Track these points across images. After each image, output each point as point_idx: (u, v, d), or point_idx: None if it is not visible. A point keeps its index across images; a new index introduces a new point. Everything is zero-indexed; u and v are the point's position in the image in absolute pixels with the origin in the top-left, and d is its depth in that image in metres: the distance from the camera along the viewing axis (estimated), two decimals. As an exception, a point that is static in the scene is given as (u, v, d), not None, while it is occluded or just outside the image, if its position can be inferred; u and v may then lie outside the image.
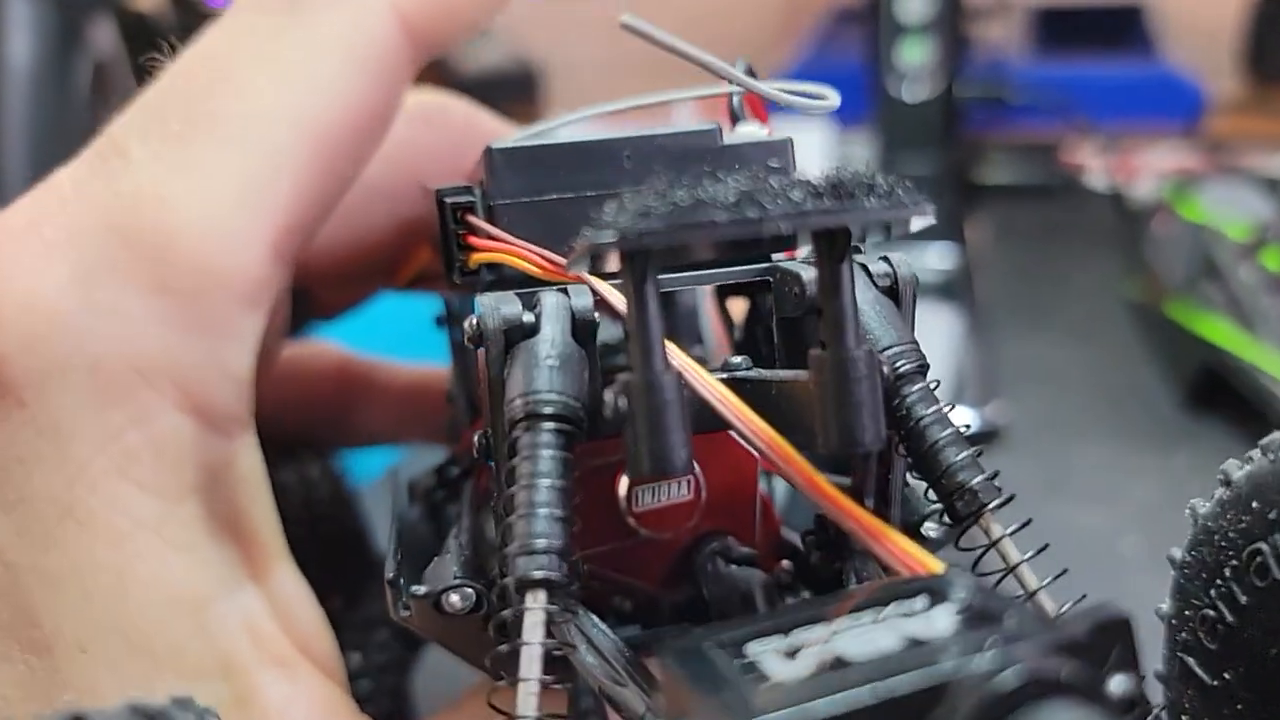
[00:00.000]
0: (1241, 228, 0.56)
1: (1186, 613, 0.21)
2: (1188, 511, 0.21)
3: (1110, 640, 0.14)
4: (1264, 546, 0.19)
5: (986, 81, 0.87)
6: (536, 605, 0.18)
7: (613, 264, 0.17)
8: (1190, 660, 0.21)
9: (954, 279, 0.64)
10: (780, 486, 0.26)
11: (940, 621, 0.14)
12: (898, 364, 0.20)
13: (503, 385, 0.20)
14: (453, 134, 0.30)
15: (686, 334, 0.29)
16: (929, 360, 0.21)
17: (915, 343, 0.21)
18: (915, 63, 0.73)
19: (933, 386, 0.20)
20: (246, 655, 0.23)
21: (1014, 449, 0.53)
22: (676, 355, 0.19)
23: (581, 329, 0.20)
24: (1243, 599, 0.20)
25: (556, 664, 0.18)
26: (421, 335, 0.33)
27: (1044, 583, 0.19)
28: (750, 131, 0.25)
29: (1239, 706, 0.20)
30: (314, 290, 0.32)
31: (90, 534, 0.22)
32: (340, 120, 0.24)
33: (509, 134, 0.29)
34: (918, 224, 0.18)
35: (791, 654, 0.14)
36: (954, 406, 0.20)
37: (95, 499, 0.22)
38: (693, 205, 0.16)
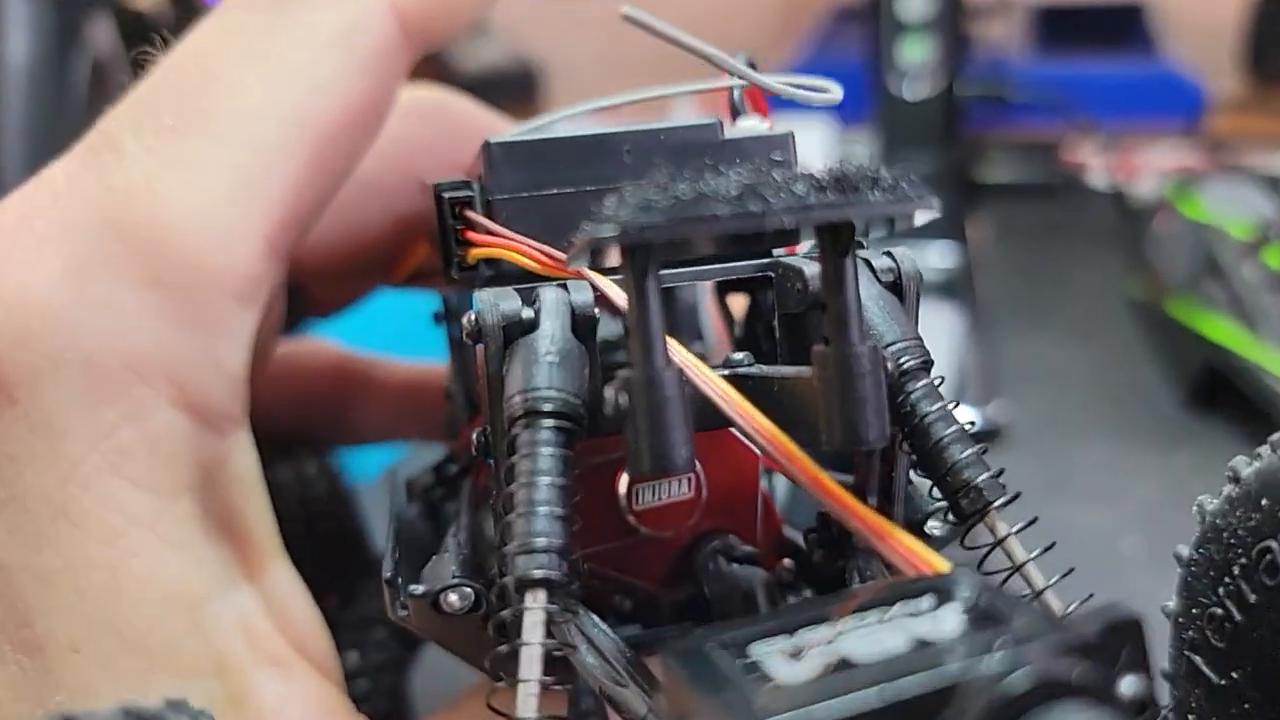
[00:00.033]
0: (1244, 226, 0.56)
1: (1194, 611, 0.21)
2: (1195, 509, 0.21)
3: (1121, 641, 0.13)
4: (1273, 544, 0.19)
5: (987, 80, 0.87)
6: (536, 605, 0.17)
7: (613, 259, 0.17)
8: (1197, 659, 0.21)
9: (955, 278, 0.64)
10: (781, 484, 0.26)
11: (947, 622, 0.14)
12: (902, 360, 0.20)
13: (502, 382, 0.20)
14: (450, 129, 0.30)
15: (687, 330, 0.29)
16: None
17: (919, 338, 0.20)
18: (916, 61, 0.72)
19: (937, 383, 0.20)
20: (241, 655, 0.23)
21: (1015, 448, 0.52)
22: (678, 351, 0.19)
23: (581, 325, 0.20)
24: (1251, 597, 0.20)
25: (556, 664, 0.18)
26: (419, 332, 0.32)
27: (1050, 581, 0.19)
28: (751, 126, 0.25)
29: (1246, 706, 0.20)
30: (310, 287, 0.31)
31: (83, 532, 0.22)
32: (334, 115, 0.24)
33: (507, 129, 0.29)
34: (922, 217, 0.17)
35: (796, 655, 0.14)
36: (958, 404, 0.20)
37: (88, 496, 0.22)
38: (694, 198, 0.16)
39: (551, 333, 0.20)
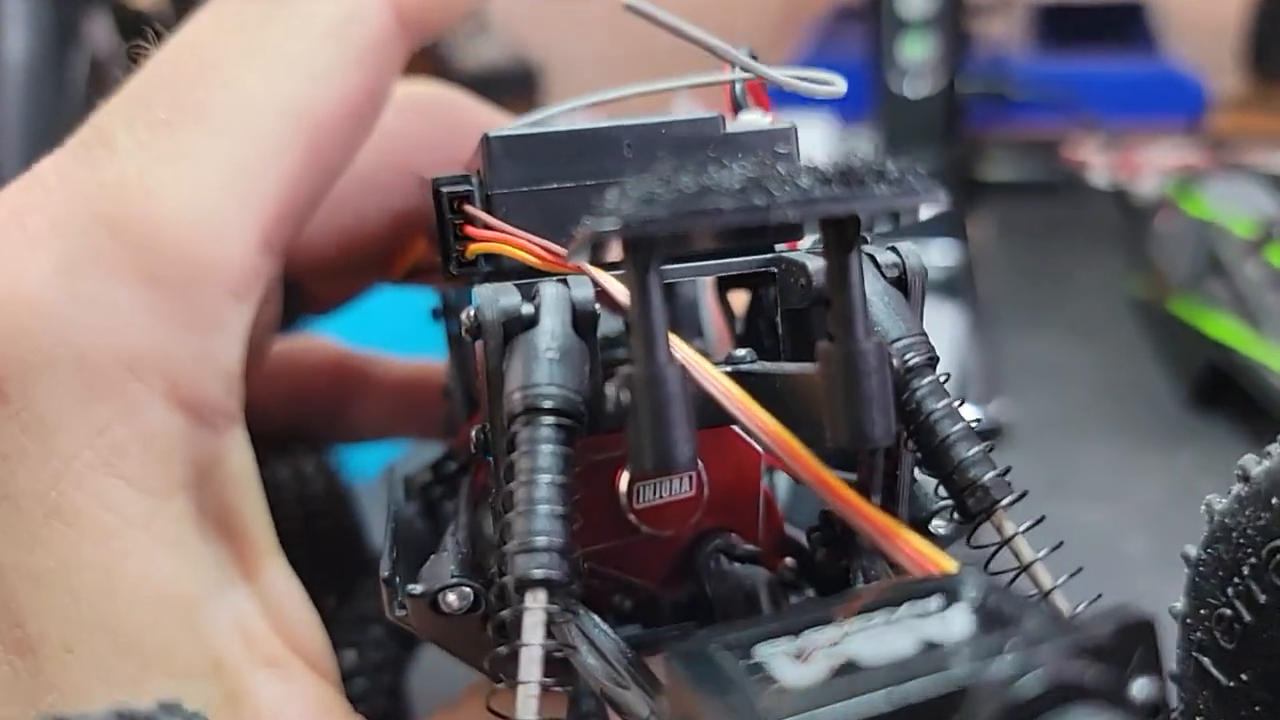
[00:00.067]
0: (1247, 224, 0.56)
1: (1202, 611, 0.20)
2: (1203, 508, 0.21)
3: (1133, 642, 0.13)
4: (1284, 544, 0.19)
5: (988, 78, 0.87)
6: (536, 605, 0.17)
7: (614, 253, 0.17)
8: (1205, 660, 0.20)
9: (956, 276, 0.63)
10: (782, 482, 0.26)
11: (956, 623, 0.14)
12: (907, 357, 0.20)
13: (501, 378, 0.19)
14: (448, 124, 0.30)
15: (687, 327, 0.29)
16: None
17: (925, 335, 0.20)
18: (917, 58, 0.72)
19: (942, 380, 0.20)
20: (237, 655, 0.23)
21: (1017, 447, 0.52)
22: (680, 348, 0.19)
23: (582, 321, 0.20)
24: (1261, 598, 0.19)
25: (557, 665, 0.17)
26: (418, 329, 0.32)
27: (1058, 582, 0.19)
28: (753, 120, 0.25)
29: (1256, 708, 0.20)
30: (307, 284, 0.31)
31: (76, 531, 0.21)
32: (330, 107, 0.24)
33: (505, 125, 0.29)
34: (928, 211, 0.17)
35: (802, 657, 0.13)
36: (963, 401, 0.20)
37: (81, 495, 0.21)
38: (698, 192, 0.15)
39: (552, 329, 0.19)
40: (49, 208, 0.22)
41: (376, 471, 0.42)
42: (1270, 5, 0.98)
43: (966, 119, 0.80)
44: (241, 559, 0.24)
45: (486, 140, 0.23)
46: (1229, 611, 0.20)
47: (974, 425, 0.20)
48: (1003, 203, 0.81)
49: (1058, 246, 0.75)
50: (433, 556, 0.22)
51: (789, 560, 0.24)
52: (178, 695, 0.21)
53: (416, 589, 0.21)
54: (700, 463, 0.22)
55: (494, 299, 0.20)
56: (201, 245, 0.22)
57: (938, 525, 0.21)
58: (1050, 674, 0.12)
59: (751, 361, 0.21)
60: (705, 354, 0.20)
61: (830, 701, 0.12)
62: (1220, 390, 0.53)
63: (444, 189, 0.23)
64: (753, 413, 0.18)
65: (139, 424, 0.22)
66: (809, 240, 0.23)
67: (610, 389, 0.17)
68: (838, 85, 0.23)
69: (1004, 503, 0.19)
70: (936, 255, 0.64)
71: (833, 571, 0.22)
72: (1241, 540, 0.20)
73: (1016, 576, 0.19)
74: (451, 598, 0.21)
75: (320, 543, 0.34)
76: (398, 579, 0.22)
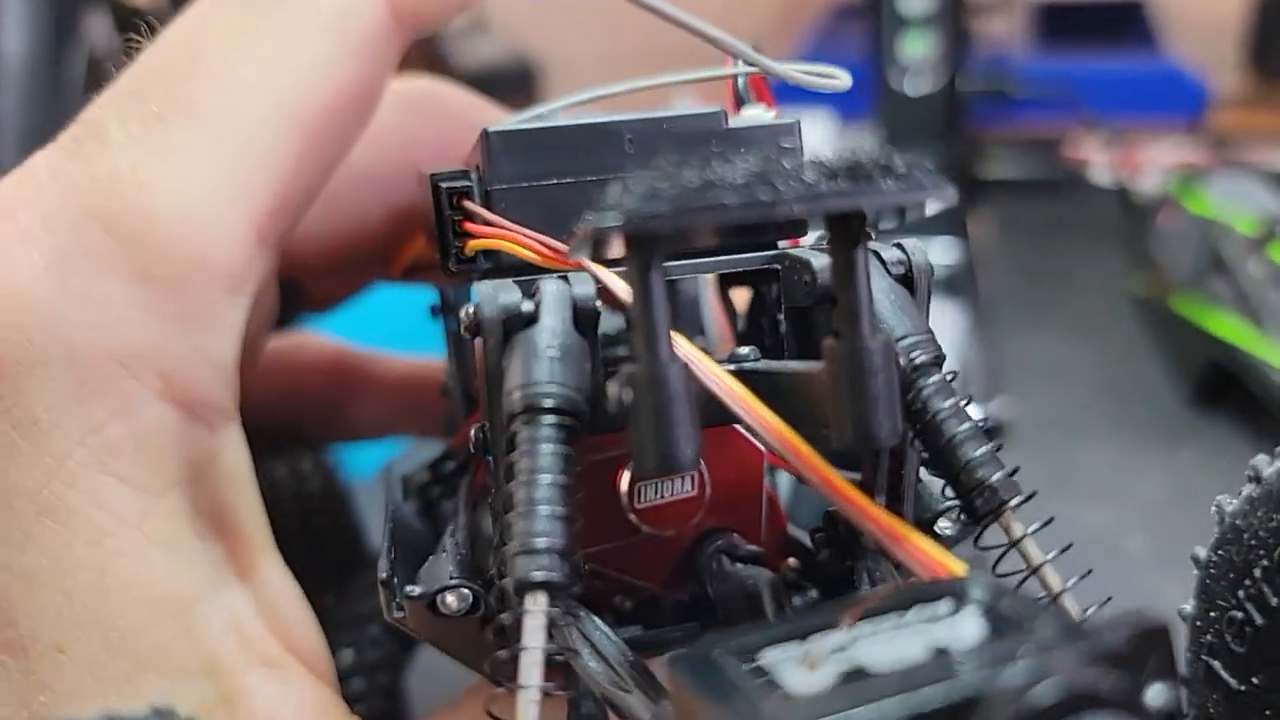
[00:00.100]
0: (1249, 221, 0.56)
1: (1212, 614, 0.20)
2: (1214, 509, 0.20)
3: (1148, 649, 0.13)
4: (1297, 546, 0.19)
5: (989, 75, 0.87)
6: (537, 608, 0.17)
7: (616, 250, 0.16)
8: (1215, 664, 0.20)
9: (957, 274, 0.63)
10: (783, 481, 0.26)
11: (966, 628, 0.13)
12: (913, 355, 0.19)
13: (501, 377, 0.19)
14: (446, 120, 0.30)
15: (688, 324, 0.29)
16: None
17: (931, 333, 0.20)
18: (917, 56, 0.72)
19: (949, 379, 0.19)
20: (233, 655, 0.22)
21: (1018, 445, 0.52)
22: (682, 346, 0.18)
23: (583, 318, 0.20)
24: (1274, 600, 0.19)
25: (558, 669, 0.17)
26: (416, 326, 0.32)
27: (1068, 584, 0.18)
28: (756, 115, 0.25)
29: (1267, 712, 0.20)
30: (304, 282, 0.31)
31: (69, 530, 0.21)
32: (325, 101, 0.23)
33: (504, 120, 0.28)
34: (936, 207, 0.17)
35: (809, 663, 0.13)
36: (970, 400, 0.20)
37: (74, 494, 0.21)
38: (702, 187, 0.15)
39: (552, 326, 0.19)
40: (40, 203, 0.22)
41: (374, 470, 0.42)
42: (1271, 3, 0.98)
43: (967, 117, 0.80)
44: (236, 557, 0.23)
45: (486, 135, 0.22)
46: (1240, 614, 0.20)
47: (982, 425, 0.19)
48: (1004, 201, 0.81)
49: (1059, 245, 0.75)
50: (431, 558, 0.22)
51: (791, 560, 0.23)
52: (172, 696, 0.21)
53: (415, 590, 0.21)
54: (702, 462, 0.21)
55: (494, 296, 0.19)
56: (194, 239, 0.22)
57: (943, 526, 0.21)
58: (1065, 682, 0.12)
59: (755, 360, 0.21)
60: (707, 352, 0.20)
61: (839, 709, 0.12)
62: (1222, 388, 0.53)
63: (443, 184, 0.23)
64: (757, 412, 0.18)
65: (132, 421, 0.22)
66: (812, 237, 0.23)
67: (612, 388, 0.17)
68: (842, 80, 0.23)
69: (1012, 504, 0.18)
70: (937, 253, 0.64)
71: (836, 572, 0.22)
72: (1253, 542, 0.19)
73: (1025, 579, 0.18)
74: (450, 599, 0.21)
75: (318, 541, 0.34)
76: (396, 580, 0.22)
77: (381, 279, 0.33)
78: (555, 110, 0.26)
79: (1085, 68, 0.95)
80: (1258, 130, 0.88)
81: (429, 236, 0.25)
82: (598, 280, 0.20)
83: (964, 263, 0.64)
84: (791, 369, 0.20)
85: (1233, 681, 0.20)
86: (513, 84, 1.02)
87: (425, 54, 0.95)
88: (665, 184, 0.15)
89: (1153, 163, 0.79)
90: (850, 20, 1.01)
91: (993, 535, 0.19)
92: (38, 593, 0.21)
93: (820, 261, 0.21)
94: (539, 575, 0.17)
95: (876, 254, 0.21)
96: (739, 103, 0.25)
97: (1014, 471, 0.19)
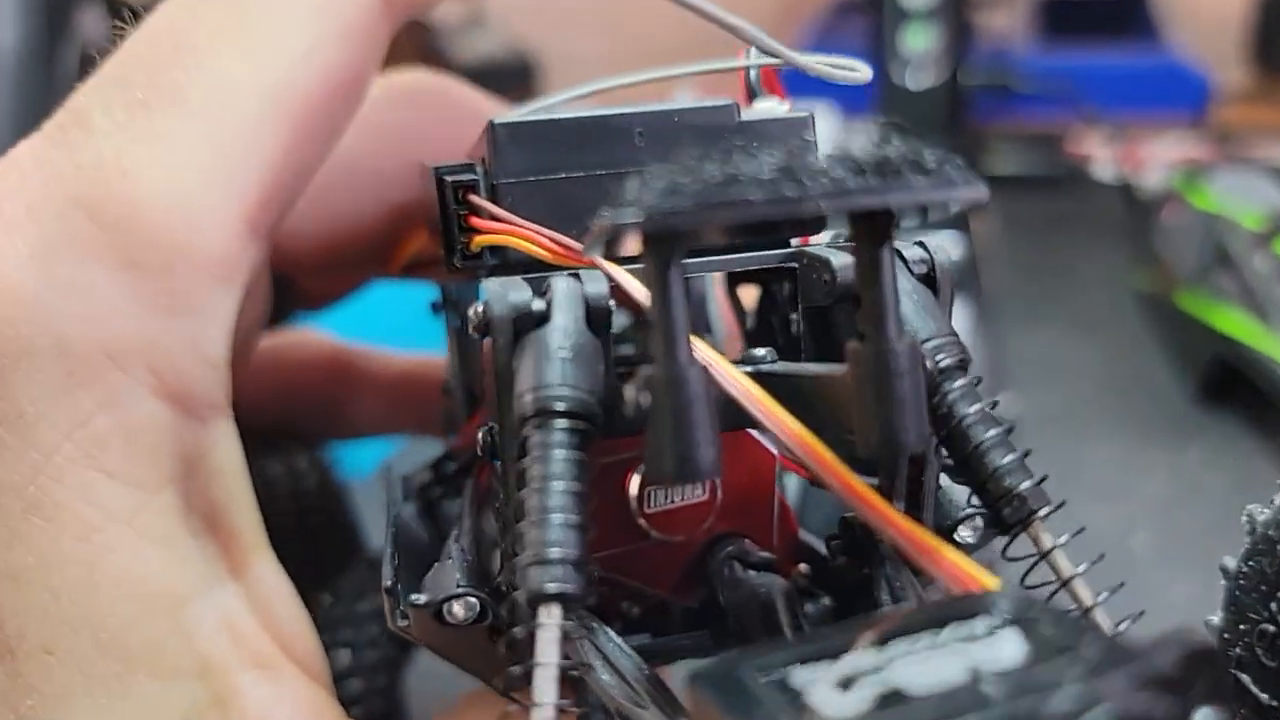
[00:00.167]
0: (1254, 216, 0.55)
1: (1241, 626, 0.20)
2: (1244, 518, 0.20)
3: (1196, 670, 0.12)
4: (1332, 557, 0.18)
5: (991, 70, 0.86)
6: (550, 621, 0.16)
7: (631, 247, 0.16)
8: (1245, 677, 0.20)
9: (960, 270, 0.63)
10: (791, 484, 0.25)
11: (1006, 648, 0.13)
12: (938, 358, 0.19)
13: (511, 378, 0.18)
14: (443, 113, 0.29)
15: (695, 323, 0.28)
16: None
17: (955, 335, 0.19)
18: (919, 50, 0.71)
19: (975, 383, 0.19)
20: (225, 655, 0.22)
21: (1022, 443, 0.51)
22: (700, 348, 0.18)
23: (596, 318, 0.19)
24: (1307, 614, 0.18)
25: (570, 683, 0.16)
26: (416, 324, 0.31)
27: (1100, 598, 0.18)
28: (769, 107, 0.24)
29: (1298, 728, 0.19)
30: (298, 279, 0.30)
31: (57, 527, 0.21)
32: (313, 87, 0.23)
33: (503, 113, 0.28)
34: (967, 204, 0.16)
35: (843, 684, 0.12)
36: (997, 404, 0.19)
37: (62, 489, 0.21)
38: (724, 181, 0.14)
39: (564, 326, 0.18)
40: (25, 192, 0.21)
41: (372, 468, 0.41)
42: (1274, -2, 0.98)
43: (969, 111, 0.80)
44: (229, 555, 0.23)
45: (492, 127, 0.22)
46: (1272, 627, 0.19)
47: (1010, 430, 0.19)
48: (1006, 196, 0.80)
49: (1062, 240, 0.75)
50: (436, 565, 0.21)
51: (803, 566, 0.23)
52: (163, 697, 0.21)
53: (420, 599, 0.20)
54: None
55: (503, 294, 0.19)
56: (180, 226, 0.21)
57: (963, 534, 0.21)
58: (1117, 709, 0.11)
59: (772, 362, 0.20)
60: (720, 353, 0.20)
61: (878, 736, 0.11)
62: (1228, 385, 0.52)
63: (448, 178, 0.22)
64: (777, 417, 0.18)
65: (121, 414, 0.21)
66: (825, 235, 0.22)
67: (629, 391, 0.16)
68: (862, 71, 0.22)
69: (1042, 513, 0.18)
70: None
71: (852, 579, 0.21)
72: (1286, 552, 0.19)
73: (1056, 592, 0.18)
74: (457, 609, 0.20)
75: (314, 540, 0.33)
76: (400, 588, 0.21)
77: (380, 276, 0.32)
78: (558, 103, 0.25)
79: (1088, 62, 0.95)
80: (1261, 125, 0.88)
81: (432, 232, 0.25)
82: (611, 279, 0.19)
83: (967, 258, 0.64)
84: (812, 371, 0.19)
85: (1263, 695, 0.19)
86: (510, 79, 1.02)
87: (421, 48, 0.94)
88: (686, 179, 0.14)
89: (1156, 158, 0.79)
90: (851, 14, 1.00)
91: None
92: (24, 591, 0.21)
93: (840, 260, 0.20)
94: (553, 587, 0.16)
95: (899, 252, 0.20)
96: (750, 95, 0.24)
97: (1042, 480, 0.18)
